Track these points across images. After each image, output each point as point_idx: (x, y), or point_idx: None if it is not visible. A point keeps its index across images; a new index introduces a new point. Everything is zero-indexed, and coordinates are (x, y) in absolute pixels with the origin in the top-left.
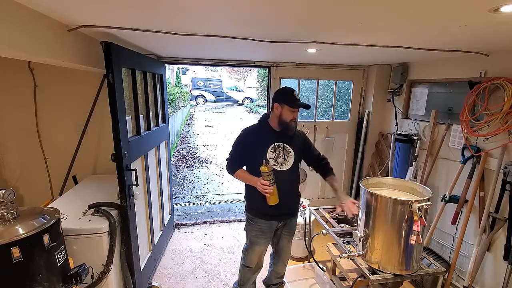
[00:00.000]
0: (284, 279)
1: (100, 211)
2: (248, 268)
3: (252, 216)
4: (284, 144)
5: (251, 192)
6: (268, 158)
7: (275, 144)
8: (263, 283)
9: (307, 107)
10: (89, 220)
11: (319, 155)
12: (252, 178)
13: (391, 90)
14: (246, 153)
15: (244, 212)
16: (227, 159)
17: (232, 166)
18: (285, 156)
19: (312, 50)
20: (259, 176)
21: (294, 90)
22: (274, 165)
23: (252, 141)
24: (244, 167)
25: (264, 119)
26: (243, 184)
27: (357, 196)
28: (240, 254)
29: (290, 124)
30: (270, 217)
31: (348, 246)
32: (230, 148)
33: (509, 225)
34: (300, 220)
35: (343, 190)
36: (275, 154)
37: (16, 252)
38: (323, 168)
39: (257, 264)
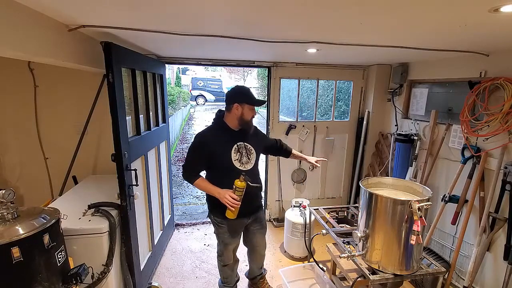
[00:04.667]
0: (284, 279)
1: (100, 211)
2: (227, 266)
3: (221, 219)
4: (245, 143)
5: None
6: (233, 160)
7: (237, 144)
8: (247, 277)
9: (264, 102)
10: (89, 220)
11: (275, 142)
12: (215, 189)
13: (391, 90)
14: (206, 158)
15: (208, 217)
16: (183, 166)
17: (191, 174)
18: (248, 155)
19: (312, 50)
20: (223, 183)
21: (250, 88)
22: (239, 166)
23: (212, 144)
24: (203, 173)
25: (219, 120)
26: None
27: (357, 196)
28: (242, 254)
29: (251, 122)
30: (240, 216)
31: (348, 246)
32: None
33: (509, 225)
34: (300, 220)
35: (343, 190)
36: (239, 155)
37: (16, 252)
38: (281, 150)
39: (234, 258)
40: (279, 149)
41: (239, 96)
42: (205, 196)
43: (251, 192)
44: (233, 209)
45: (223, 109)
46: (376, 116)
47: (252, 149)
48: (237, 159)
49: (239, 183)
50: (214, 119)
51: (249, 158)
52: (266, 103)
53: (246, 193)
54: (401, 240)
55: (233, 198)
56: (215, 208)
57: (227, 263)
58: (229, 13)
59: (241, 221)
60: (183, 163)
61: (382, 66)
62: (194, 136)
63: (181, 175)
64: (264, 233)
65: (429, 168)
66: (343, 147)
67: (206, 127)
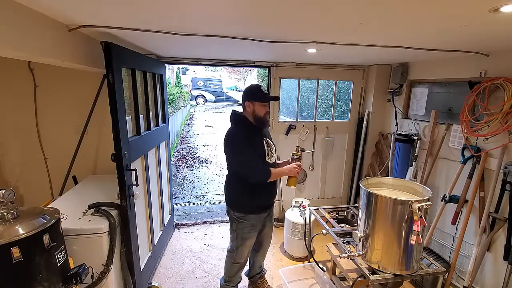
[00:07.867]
0: (284, 279)
1: (100, 211)
2: (237, 264)
3: (242, 214)
4: (267, 139)
5: (238, 191)
6: (266, 153)
7: (265, 139)
8: (247, 276)
9: (276, 99)
10: (89, 220)
11: None
12: (285, 168)
13: (391, 90)
14: (253, 151)
15: (226, 213)
16: (248, 169)
17: (263, 170)
18: (272, 150)
19: (312, 50)
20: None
21: (261, 85)
22: (267, 159)
23: (251, 138)
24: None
25: (241, 120)
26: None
27: (357, 196)
28: None
29: (265, 118)
30: (260, 209)
31: (348, 246)
32: (236, 159)
33: (509, 225)
34: (300, 220)
35: (343, 190)
36: (268, 149)
37: (16, 252)
38: None
39: (246, 257)
40: None
41: (250, 94)
42: (224, 194)
43: (272, 184)
44: (298, 175)
45: (235, 109)
46: (376, 116)
47: (273, 144)
48: (266, 153)
49: (296, 153)
50: (235, 119)
51: (272, 152)
52: (278, 99)
53: (268, 187)
54: (401, 240)
55: (299, 166)
56: (236, 203)
57: (238, 261)
58: (229, 13)
59: (260, 215)
60: (244, 169)
61: (382, 66)
62: (227, 138)
63: (250, 180)
64: (272, 226)
65: (429, 168)
66: (343, 147)
67: (231, 127)
